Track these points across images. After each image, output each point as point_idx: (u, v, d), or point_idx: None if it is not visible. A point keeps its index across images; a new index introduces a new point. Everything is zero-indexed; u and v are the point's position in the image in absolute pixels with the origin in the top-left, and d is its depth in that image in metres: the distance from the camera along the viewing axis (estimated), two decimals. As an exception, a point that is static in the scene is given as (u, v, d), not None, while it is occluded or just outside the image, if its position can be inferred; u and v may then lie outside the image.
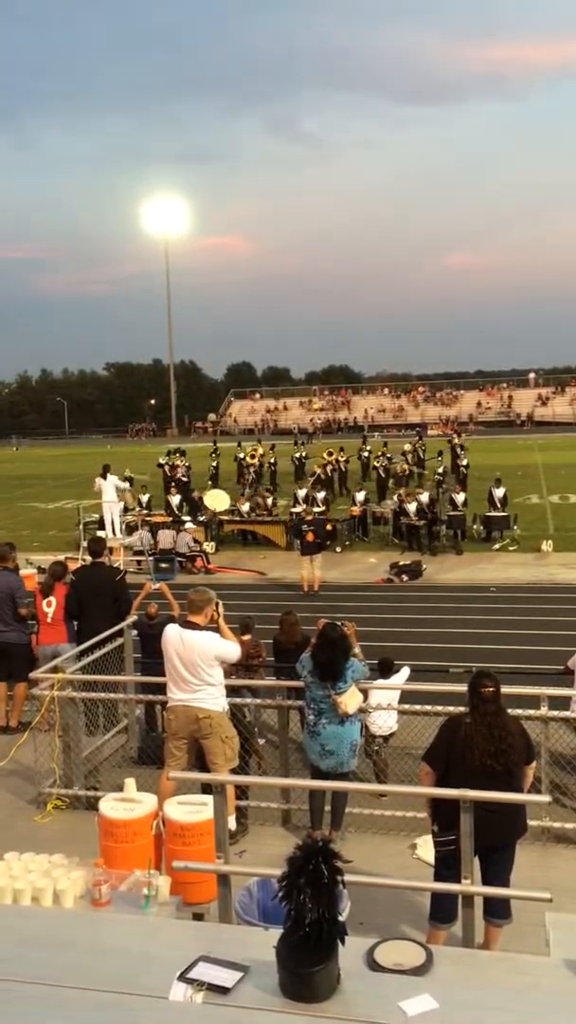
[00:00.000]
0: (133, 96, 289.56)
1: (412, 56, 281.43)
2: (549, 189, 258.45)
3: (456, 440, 34.04)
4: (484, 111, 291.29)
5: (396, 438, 45.16)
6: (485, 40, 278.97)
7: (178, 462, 31.93)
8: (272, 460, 34.21)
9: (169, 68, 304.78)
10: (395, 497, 23.39)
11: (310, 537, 17.33)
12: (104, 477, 21.58)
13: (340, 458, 32.00)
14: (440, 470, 28.95)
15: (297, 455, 35.20)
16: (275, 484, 31.06)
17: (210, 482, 31.07)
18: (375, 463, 30.65)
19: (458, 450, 31.90)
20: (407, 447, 34.79)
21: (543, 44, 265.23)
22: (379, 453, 31.17)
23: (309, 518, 18.40)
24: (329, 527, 20.78)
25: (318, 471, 29.53)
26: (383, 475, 29.19)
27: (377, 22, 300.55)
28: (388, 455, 30.94)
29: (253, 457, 34.31)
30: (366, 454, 34.30)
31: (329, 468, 30.74)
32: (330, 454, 31.55)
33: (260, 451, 35.47)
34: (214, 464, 34.63)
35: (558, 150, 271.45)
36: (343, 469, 31.87)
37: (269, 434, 67.89)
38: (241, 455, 35.43)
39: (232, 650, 6.39)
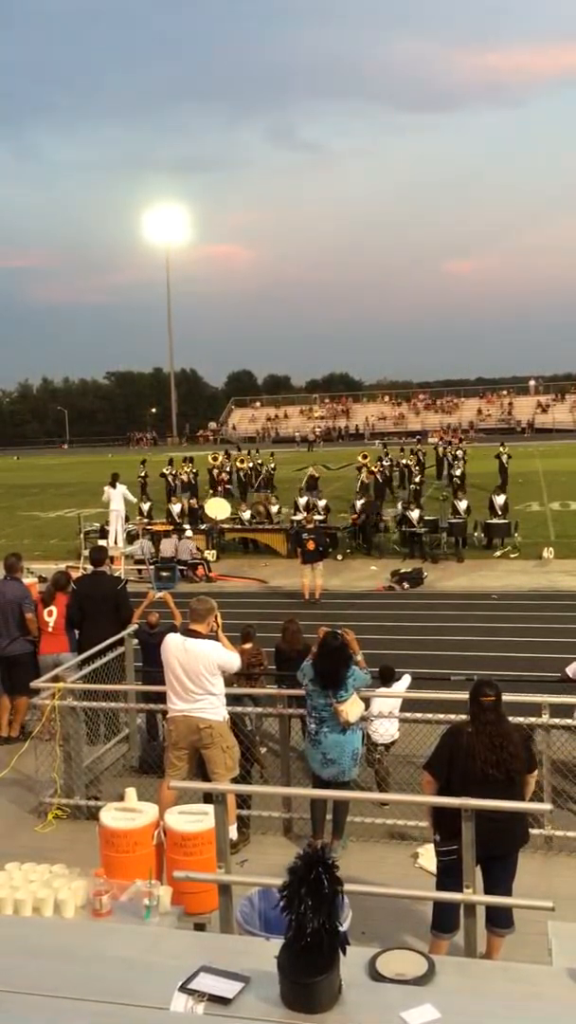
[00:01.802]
0: (134, 105, 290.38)
1: (411, 64, 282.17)
2: (549, 196, 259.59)
3: (448, 448, 34.18)
4: (483, 118, 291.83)
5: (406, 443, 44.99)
6: (484, 47, 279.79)
7: (184, 469, 32.03)
8: (228, 468, 34.07)
9: (170, 77, 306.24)
10: (399, 504, 23.38)
11: (311, 545, 17.29)
12: (113, 486, 21.58)
13: (385, 463, 31.83)
14: (417, 479, 29.00)
15: (241, 463, 34.80)
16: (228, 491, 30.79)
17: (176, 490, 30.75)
18: (372, 468, 30.59)
19: (449, 458, 31.99)
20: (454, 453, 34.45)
21: (542, 51, 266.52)
22: (377, 457, 31.15)
23: (310, 526, 18.38)
24: (328, 537, 20.72)
25: (311, 472, 29.44)
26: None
27: (376, 30, 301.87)
28: (406, 462, 30.86)
29: (242, 462, 34.16)
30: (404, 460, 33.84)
31: (366, 473, 30.50)
32: (364, 457, 31.48)
33: (218, 459, 35.10)
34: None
35: (558, 157, 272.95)
36: (387, 475, 31.38)
37: (270, 442, 68.00)
38: (235, 462, 35.14)
39: (234, 660, 6.41)
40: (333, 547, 20.67)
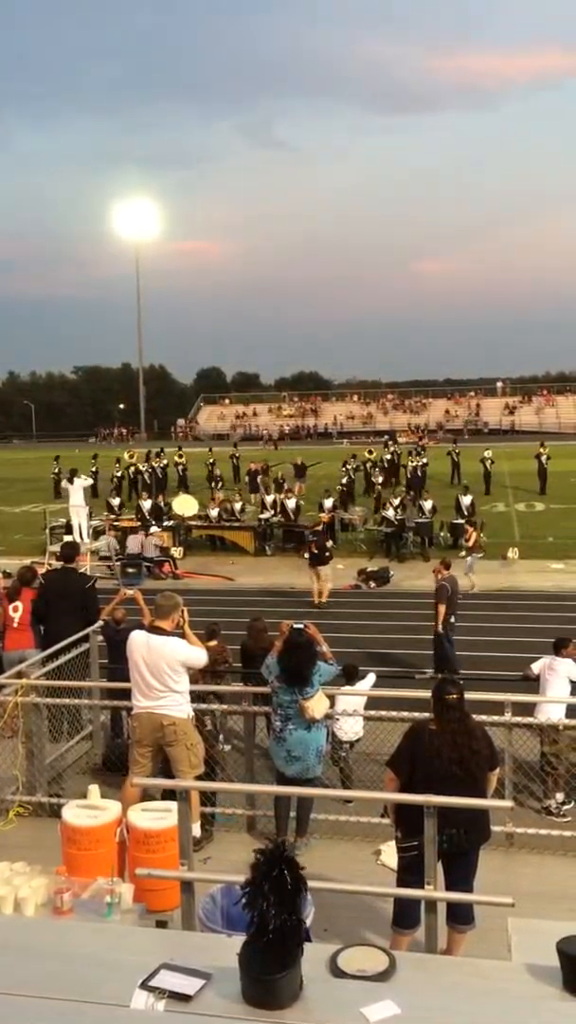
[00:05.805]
0: (108, 99, 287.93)
1: (387, 65, 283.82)
2: (520, 199, 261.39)
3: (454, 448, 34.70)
4: (457, 120, 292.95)
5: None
6: (459, 50, 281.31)
7: (156, 462, 32.07)
8: (151, 467, 34.08)
9: (144, 72, 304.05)
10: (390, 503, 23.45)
11: (314, 548, 17.01)
12: (71, 481, 21.43)
13: (383, 456, 31.83)
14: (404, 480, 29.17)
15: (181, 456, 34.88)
16: (156, 490, 30.77)
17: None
18: (347, 466, 30.57)
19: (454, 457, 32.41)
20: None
21: (516, 55, 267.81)
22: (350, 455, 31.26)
23: (316, 528, 18.06)
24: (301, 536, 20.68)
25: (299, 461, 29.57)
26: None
27: (352, 30, 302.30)
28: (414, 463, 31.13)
29: (181, 456, 34.33)
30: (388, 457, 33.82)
31: (369, 466, 30.26)
32: (371, 452, 31.54)
33: (134, 456, 35.36)
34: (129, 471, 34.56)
35: (530, 160, 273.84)
36: (351, 478, 31.16)
37: (240, 439, 67.86)
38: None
39: (199, 656, 6.38)
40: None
